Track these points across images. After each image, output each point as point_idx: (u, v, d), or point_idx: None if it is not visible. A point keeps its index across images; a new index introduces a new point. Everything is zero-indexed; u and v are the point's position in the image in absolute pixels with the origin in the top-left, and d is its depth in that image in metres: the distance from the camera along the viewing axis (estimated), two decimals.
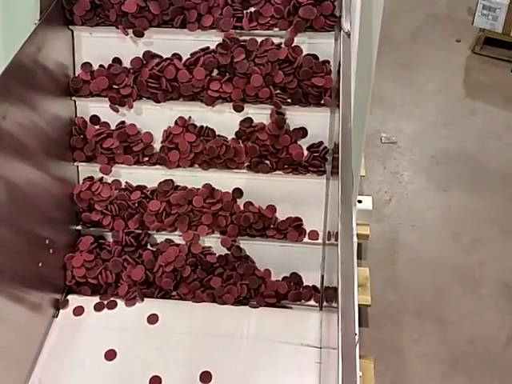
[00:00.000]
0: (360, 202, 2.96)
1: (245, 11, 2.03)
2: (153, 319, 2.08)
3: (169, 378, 1.92)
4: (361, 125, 2.49)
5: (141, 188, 2.15)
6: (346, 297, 1.26)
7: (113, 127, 2.14)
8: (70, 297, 2.15)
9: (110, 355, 1.98)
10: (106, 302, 2.13)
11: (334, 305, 1.33)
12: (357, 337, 2.14)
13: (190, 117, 2.10)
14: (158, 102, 2.07)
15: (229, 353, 1.98)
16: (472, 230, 3.38)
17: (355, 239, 2.74)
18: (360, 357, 2.48)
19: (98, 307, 2.12)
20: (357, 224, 2.90)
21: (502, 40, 4.49)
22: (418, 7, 5.14)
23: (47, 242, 2.03)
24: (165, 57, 2.08)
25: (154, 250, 2.16)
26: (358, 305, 2.73)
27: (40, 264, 1.98)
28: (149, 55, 2.08)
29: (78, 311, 2.11)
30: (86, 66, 2.12)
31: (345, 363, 1.14)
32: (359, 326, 2.80)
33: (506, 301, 3.05)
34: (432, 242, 3.33)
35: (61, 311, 2.11)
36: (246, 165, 2.11)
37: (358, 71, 2.00)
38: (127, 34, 2.07)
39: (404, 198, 3.57)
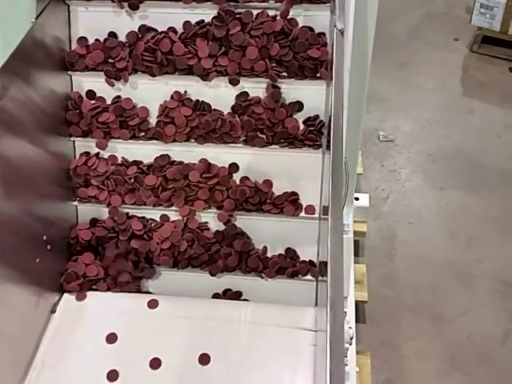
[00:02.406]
0: (357, 199, 2.97)
1: None
2: (153, 304, 2.09)
3: (168, 360, 1.94)
4: (357, 123, 2.50)
5: (137, 163, 2.14)
6: (336, 267, 1.28)
7: (108, 102, 2.13)
8: None
9: (111, 338, 1.99)
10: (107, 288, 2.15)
11: (325, 278, 1.33)
12: (352, 331, 2.14)
13: (185, 91, 2.09)
14: (154, 75, 2.07)
15: (227, 336, 2.00)
16: (469, 227, 3.40)
17: (351, 235, 2.74)
18: (357, 352, 2.50)
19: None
20: (354, 221, 2.91)
21: (499, 38, 4.55)
22: (416, 6, 5.19)
23: (44, 222, 2.03)
24: (160, 30, 2.07)
25: (147, 230, 2.16)
26: (355, 301, 2.74)
27: (39, 257, 1.98)
28: (144, 29, 2.07)
29: (81, 296, 2.12)
30: (82, 40, 2.11)
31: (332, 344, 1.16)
32: (356, 322, 2.81)
33: (503, 298, 3.07)
34: (429, 239, 3.35)
35: (63, 296, 2.12)
36: (241, 139, 2.10)
37: (353, 70, 2.01)
38: (122, 8, 2.07)
39: (401, 196, 3.58)
